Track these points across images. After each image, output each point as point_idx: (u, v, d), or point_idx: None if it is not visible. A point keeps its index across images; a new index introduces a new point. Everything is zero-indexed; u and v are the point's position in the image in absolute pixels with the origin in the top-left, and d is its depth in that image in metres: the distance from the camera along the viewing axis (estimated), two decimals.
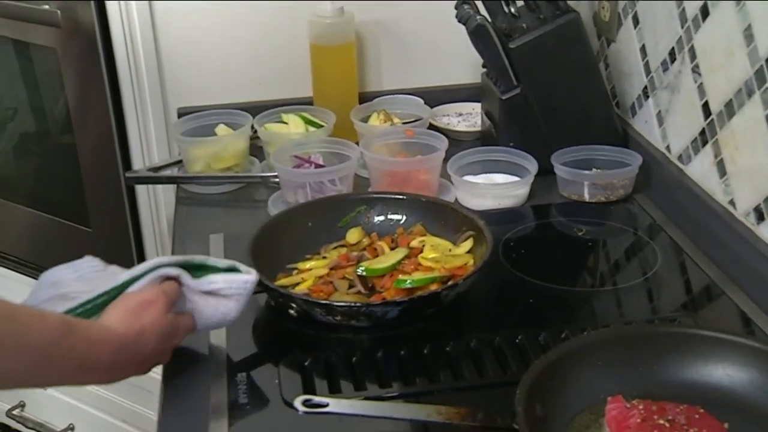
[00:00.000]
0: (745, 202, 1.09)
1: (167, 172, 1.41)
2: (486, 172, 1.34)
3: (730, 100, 1.10)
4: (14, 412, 2.02)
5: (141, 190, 1.63)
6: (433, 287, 1.02)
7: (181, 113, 1.52)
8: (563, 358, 0.84)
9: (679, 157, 1.26)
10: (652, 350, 0.86)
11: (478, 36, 1.34)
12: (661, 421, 0.77)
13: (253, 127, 1.43)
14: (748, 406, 0.81)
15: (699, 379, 0.84)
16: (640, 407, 0.79)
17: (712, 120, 1.15)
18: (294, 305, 1.00)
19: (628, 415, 0.79)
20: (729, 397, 0.82)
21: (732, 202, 1.12)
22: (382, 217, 1.20)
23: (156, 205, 1.62)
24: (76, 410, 1.98)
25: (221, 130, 1.42)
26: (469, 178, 1.32)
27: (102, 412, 1.94)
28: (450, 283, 1.01)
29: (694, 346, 0.85)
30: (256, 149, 1.46)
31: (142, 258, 1.69)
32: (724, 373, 0.83)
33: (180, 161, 1.42)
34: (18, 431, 2.06)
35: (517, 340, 0.97)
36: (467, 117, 1.59)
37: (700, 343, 0.85)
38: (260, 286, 1.00)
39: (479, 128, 1.52)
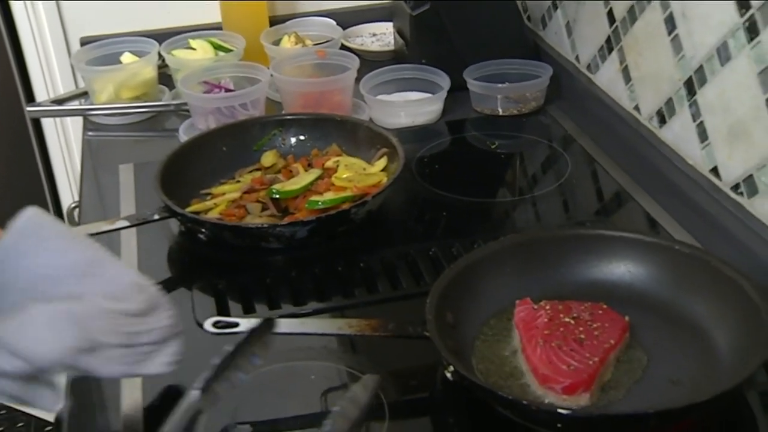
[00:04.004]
0: (649, 106, 1.11)
1: (73, 104, 1.37)
2: (399, 91, 1.33)
3: (632, 5, 1.10)
4: None
5: (48, 123, 1.58)
6: (345, 206, 1.02)
7: (84, 42, 1.46)
8: (472, 265, 0.86)
9: (588, 67, 1.27)
10: (558, 253, 0.88)
11: None
12: (567, 319, 0.80)
13: (160, 54, 1.39)
14: (647, 298, 0.84)
15: (602, 277, 0.86)
16: (547, 308, 0.81)
17: (617, 27, 1.16)
18: (204, 230, 0.99)
19: (536, 315, 0.81)
20: (630, 292, 0.84)
21: (637, 108, 1.14)
22: (297, 139, 1.18)
23: (65, 138, 1.57)
24: None
25: (127, 58, 1.38)
26: (382, 97, 1.31)
27: None
28: (360, 201, 1.01)
29: (598, 246, 0.87)
30: (165, 78, 1.43)
31: (54, 195, 1.65)
32: (625, 269, 0.86)
33: (86, 92, 1.38)
34: None
35: (430, 252, 0.98)
36: (381, 37, 1.57)
37: (603, 243, 0.87)
38: (169, 212, 0.98)
39: (392, 48, 1.51)
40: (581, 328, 0.78)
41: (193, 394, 0.64)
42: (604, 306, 0.81)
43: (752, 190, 0.91)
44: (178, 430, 0.63)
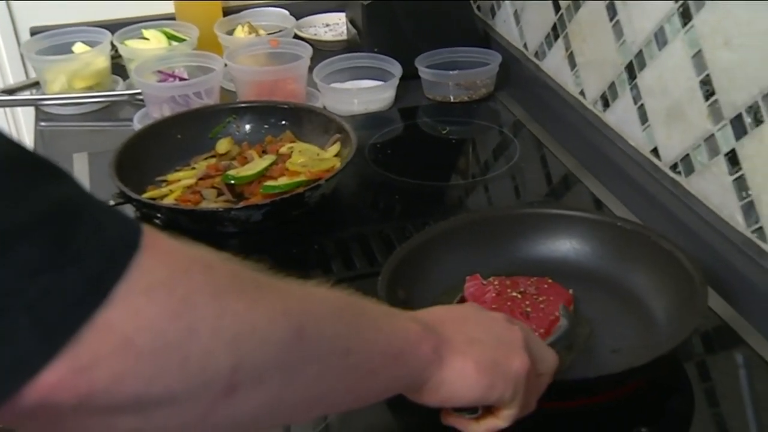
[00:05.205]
0: (593, 90, 1.14)
1: (24, 94, 1.36)
2: (352, 79, 1.36)
3: None
4: None
5: None
6: (300, 190, 1.03)
7: (34, 32, 1.46)
8: (424, 244, 0.88)
9: (536, 54, 1.30)
10: (506, 231, 0.91)
11: None
12: (514, 294, 0.82)
13: (113, 45, 1.39)
14: (590, 273, 0.87)
15: (548, 254, 0.90)
16: (495, 283, 0.84)
17: (562, 14, 1.19)
18: (160, 215, 1.00)
19: (485, 291, 0.83)
20: (574, 267, 0.88)
21: (582, 93, 1.17)
22: (251, 126, 1.20)
23: (16, 128, 1.56)
24: None
25: (79, 48, 1.38)
26: (336, 85, 1.33)
27: None
28: (314, 184, 1.03)
29: (544, 224, 0.91)
30: (118, 68, 1.43)
31: None
32: (570, 246, 0.89)
33: (37, 82, 1.37)
34: None
35: (383, 234, 1.01)
36: (334, 27, 1.59)
37: (549, 221, 0.90)
38: (124, 198, 0.99)
39: (345, 37, 1.53)
40: (527, 302, 0.81)
41: None
42: (549, 280, 0.84)
43: (689, 169, 0.95)
44: None
